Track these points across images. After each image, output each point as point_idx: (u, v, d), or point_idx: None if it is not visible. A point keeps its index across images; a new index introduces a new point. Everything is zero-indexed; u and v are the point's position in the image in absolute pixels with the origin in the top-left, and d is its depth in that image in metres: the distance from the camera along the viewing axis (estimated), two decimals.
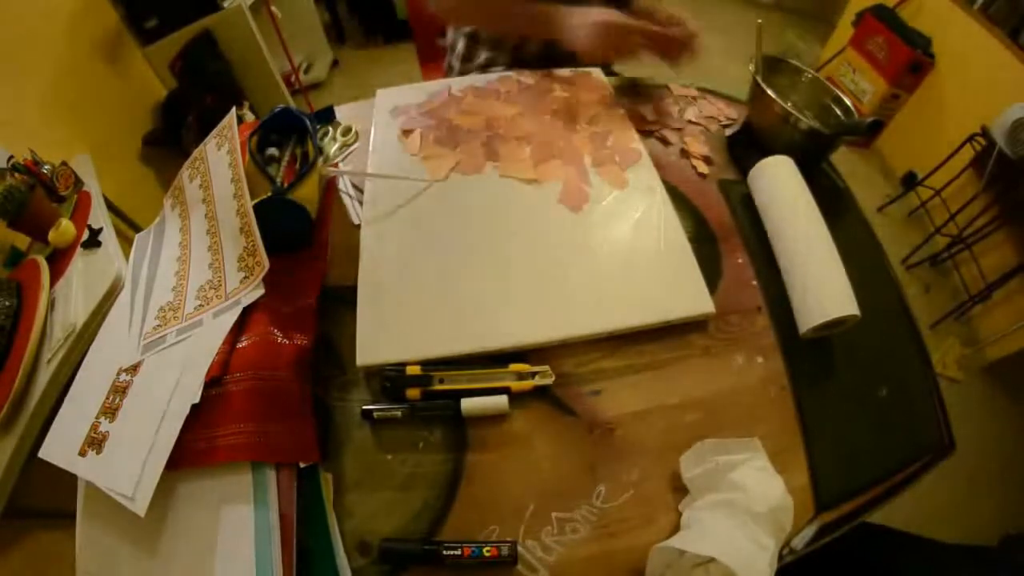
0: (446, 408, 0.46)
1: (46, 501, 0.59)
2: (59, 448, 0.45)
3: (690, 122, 0.74)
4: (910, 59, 1.86)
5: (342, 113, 0.74)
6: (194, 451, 0.42)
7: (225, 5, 1.59)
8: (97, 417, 0.45)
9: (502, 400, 0.46)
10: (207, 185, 0.60)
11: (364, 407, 0.47)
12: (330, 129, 0.71)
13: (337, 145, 0.69)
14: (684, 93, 0.79)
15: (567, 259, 0.55)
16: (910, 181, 1.94)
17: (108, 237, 0.84)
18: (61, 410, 0.48)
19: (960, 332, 1.67)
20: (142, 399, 0.45)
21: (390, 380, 0.47)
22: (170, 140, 1.54)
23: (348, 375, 0.50)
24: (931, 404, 0.52)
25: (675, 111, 0.76)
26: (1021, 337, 1.50)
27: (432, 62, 1.13)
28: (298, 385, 0.46)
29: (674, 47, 0.70)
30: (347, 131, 0.71)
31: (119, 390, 0.47)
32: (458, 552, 0.39)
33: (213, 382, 0.44)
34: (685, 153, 0.70)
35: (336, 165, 0.66)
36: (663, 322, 0.51)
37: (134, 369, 0.48)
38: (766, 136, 0.68)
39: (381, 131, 0.69)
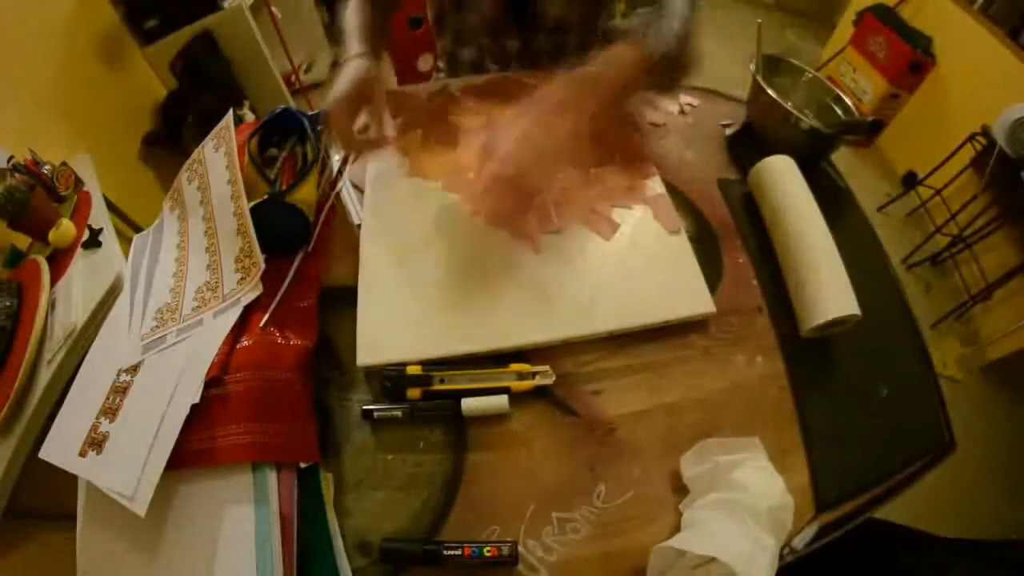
0: (446, 408, 0.46)
1: (46, 501, 0.59)
2: (59, 448, 0.45)
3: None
4: (910, 59, 1.86)
5: None
6: (194, 451, 0.42)
7: (225, 5, 1.58)
8: (97, 417, 0.45)
9: (502, 400, 0.46)
10: (205, 187, 0.60)
11: (364, 407, 0.47)
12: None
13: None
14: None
15: (568, 258, 0.55)
16: (910, 180, 1.93)
17: (108, 237, 0.84)
18: (61, 410, 0.48)
19: (960, 332, 1.67)
20: (142, 399, 0.45)
21: (390, 380, 0.47)
22: (170, 140, 1.54)
23: (348, 375, 0.50)
24: (931, 404, 0.52)
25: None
26: (1021, 337, 1.50)
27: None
28: (298, 385, 0.46)
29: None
30: None
31: (119, 390, 0.47)
32: (459, 552, 0.39)
33: (213, 382, 0.44)
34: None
35: (341, 172, 0.65)
36: (663, 322, 0.51)
37: (134, 369, 0.48)
38: (766, 136, 0.68)
39: None
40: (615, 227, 0.58)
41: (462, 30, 0.81)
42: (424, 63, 1.05)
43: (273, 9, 1.80)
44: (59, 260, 0.83)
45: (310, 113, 0.68)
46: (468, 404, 0.46)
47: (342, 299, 0.53)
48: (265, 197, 0.53)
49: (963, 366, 1.59)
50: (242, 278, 0.51)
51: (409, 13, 1.05)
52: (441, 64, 0.92)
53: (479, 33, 0.79)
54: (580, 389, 0.49)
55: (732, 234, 0.61)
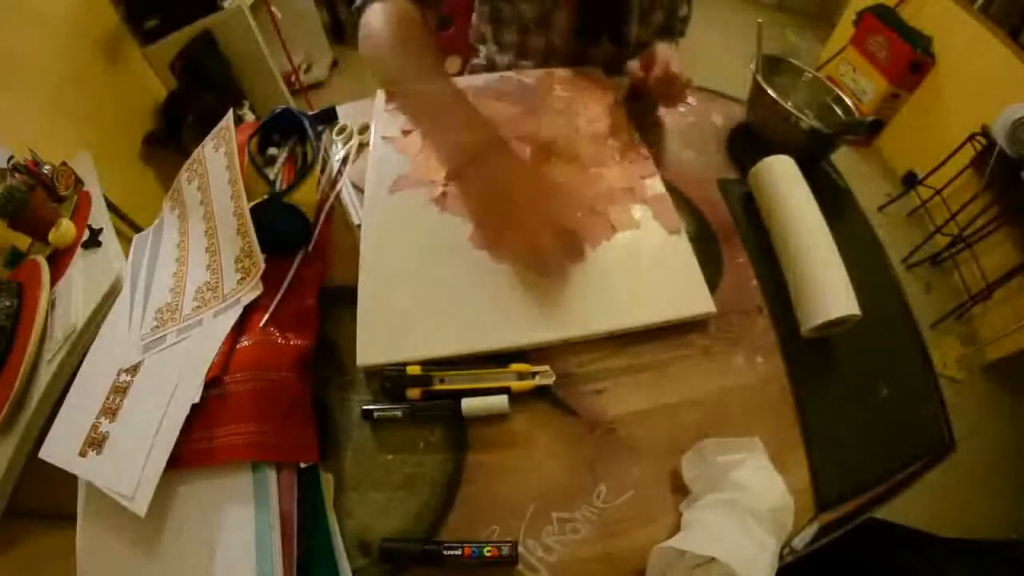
0: (446, 408, 0.46)
1: (46, 501, 0.59)
2: (59, 448, 0.45)
3: None
4: (910, 58, 1.87)
5: (342, 113, 0.73)
6: (194, 451, 0.42)
7: (225, 5, 1.59)
8: (97, 417, 0.45)
9: (502, 400, 0.46)
10: (205, 187, 0.60)
11: (364, 407, 0.47)
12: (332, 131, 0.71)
13: (338, 146, 0.69)
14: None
15: None
16: (910, 180, 1.94)
17: (108, 237, 0.84)
18: (61, 410, 0.48)
19: (960, 332, 1.67)
20: (142, 399, 0.45)
21: (390, 380, 0.47)
22: (170, 140, 1.54)
23: (348, 375, 0.50)
24: (931, 404, 0.52)
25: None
26: (1021, 337, 1.50)
27: None
28: (298, 385, 0.46)
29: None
30: (343, 130, 0.70)
31: (119, 390, 0.47)
32: (458, 552, 0.39)
33: (213, 382, 0.44)
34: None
35: (341, 172, 0.65)
36: (664, 322, 0.51)
37: (134, 369, 0.48)
38: (766, 135, 0.68)
39: (381, 131, 0.69)
40: (614, 227, 0.58)
41: (520, 20, 0.80)
42: (451, 65, 1.04)
43: (273, 9, 1.80)
44: (59, 260, 0.83)
45: (310, 113, 0.68)
46: (468, 404, 0.46)
47: (342, 299, 0.53)
48: (265, 197, 0.53)
49: (963, 366, 1.59)
50: (242, 278, 0.51)
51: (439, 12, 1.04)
52: (482, 60, 0.91)
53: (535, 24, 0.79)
54: (580, 389, 0.49)
55: (732, 234, 0.61)
